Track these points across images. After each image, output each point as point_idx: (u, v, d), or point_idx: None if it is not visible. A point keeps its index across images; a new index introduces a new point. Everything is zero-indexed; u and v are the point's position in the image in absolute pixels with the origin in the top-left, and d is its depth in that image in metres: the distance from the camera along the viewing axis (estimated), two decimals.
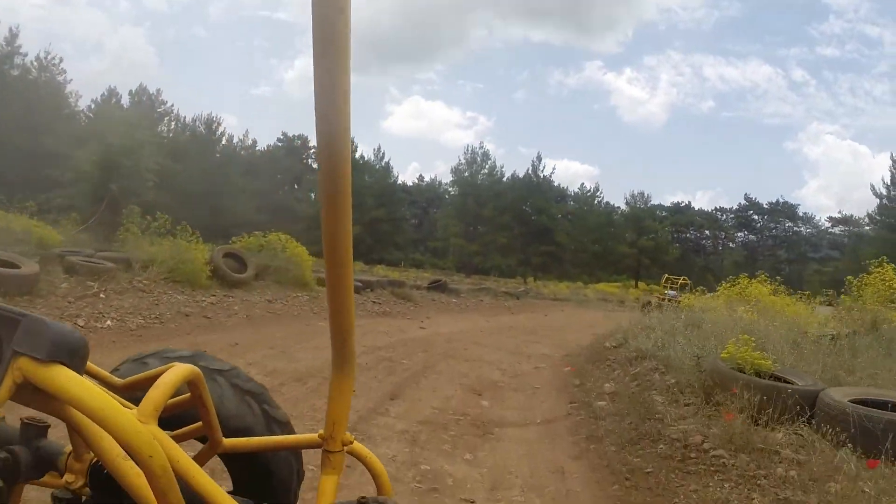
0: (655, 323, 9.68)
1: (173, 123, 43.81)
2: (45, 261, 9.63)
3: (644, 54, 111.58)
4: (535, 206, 52.44)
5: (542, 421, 5.58)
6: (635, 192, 60.39)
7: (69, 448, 1.03)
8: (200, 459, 1.16)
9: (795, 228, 62.06)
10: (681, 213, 62.40)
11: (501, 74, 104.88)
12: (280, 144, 54.31)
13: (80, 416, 0.77)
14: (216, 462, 1.32)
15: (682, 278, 28.09)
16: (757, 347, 5.55)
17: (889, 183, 42.94)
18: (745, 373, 5.16)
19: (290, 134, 54.56)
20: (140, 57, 76.16)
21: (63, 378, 0.72)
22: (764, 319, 8.00)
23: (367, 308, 13.91)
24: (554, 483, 3.98)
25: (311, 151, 51.29)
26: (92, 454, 1.00)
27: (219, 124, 46.88)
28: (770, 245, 62.48)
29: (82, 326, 7.27)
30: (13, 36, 33.37)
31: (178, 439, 1.04)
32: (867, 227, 46.78)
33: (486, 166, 53.39)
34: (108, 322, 7.80)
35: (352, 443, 1.18)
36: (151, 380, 0.93)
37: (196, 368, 1.00)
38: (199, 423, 1.14)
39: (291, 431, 1.46)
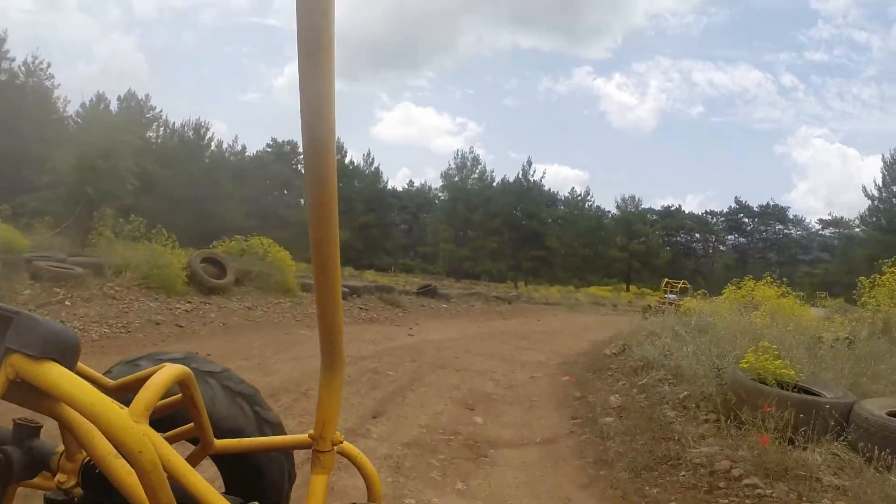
0: (659, 328, 9.14)
1: (162, 129, 43.57)
2: (9, 266, 9.13)
3: (633, 60, 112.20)
4: (525, 211, 52.24)
5: (542, 440, 5.01)
6: (626, 196, 60.55)
7: (61, 448, 1.03)
8: (192, 460, 1.14)
9: (785, 231, 62.10)
10: (671, 217, 62.27)
11: (491, 81, 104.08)
12: (269, 150, 53.61)
13: (72, 414, 0.77)
14: (209, 464, 1.28)
15: (681, 282, 28.17)
16: (777, 356, 5.03)
17: (881, 185, 43.43)
18: (766, 384, 4.67)
19: (280, 140, 53.91)
20: (129, 63, 74.91)
21: (55, 374, 0.73)
22: (776, 324, 7.48)
23: (354, 314, 13.34)
24: None
25: (300, 157, 50.66)
26: (84, 454, 1.00)
27: (207, 130, 46.85)
28: (760, 248, 62.49)
29: None
30: (1, 40, 32.94)
31: (169, 440, 1.06)
32: (857, 229, 47.02)
33: (476, 171, 53.19)
34: None
35: (342, 442, 1.17)
36: (143, 381, 0.93)
37: (187, 369, 1.00)
38: (191, 425, 1.14)
39: (283, 433, 1.44)
